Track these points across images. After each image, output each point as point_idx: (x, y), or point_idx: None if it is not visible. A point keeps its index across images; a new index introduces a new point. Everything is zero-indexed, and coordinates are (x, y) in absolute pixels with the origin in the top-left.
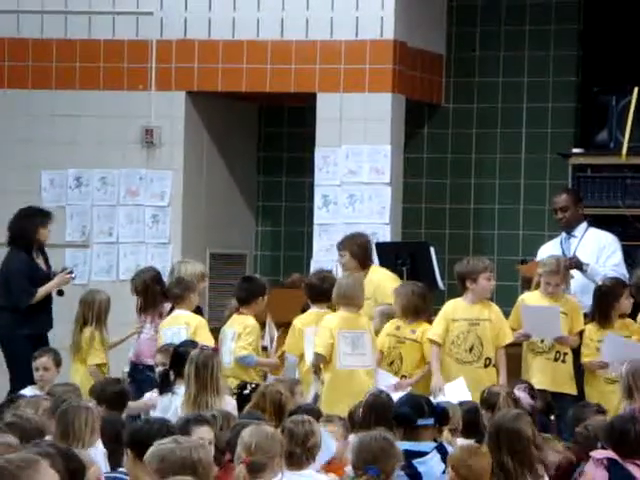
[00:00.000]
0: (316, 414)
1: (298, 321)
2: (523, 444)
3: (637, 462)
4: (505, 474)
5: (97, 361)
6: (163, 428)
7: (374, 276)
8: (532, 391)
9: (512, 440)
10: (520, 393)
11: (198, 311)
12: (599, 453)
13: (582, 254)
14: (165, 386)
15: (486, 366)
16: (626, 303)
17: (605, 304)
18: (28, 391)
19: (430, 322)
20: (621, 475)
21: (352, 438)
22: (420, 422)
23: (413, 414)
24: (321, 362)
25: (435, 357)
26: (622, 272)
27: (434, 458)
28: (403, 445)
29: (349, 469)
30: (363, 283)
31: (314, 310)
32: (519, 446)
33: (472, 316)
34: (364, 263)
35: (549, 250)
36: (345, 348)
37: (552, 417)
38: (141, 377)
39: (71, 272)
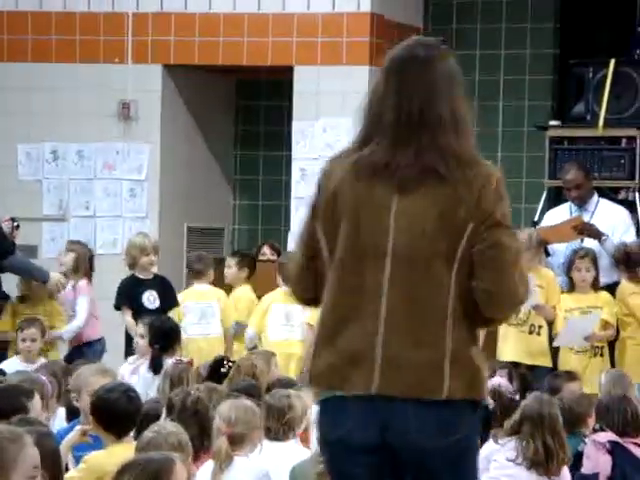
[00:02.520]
0: (294, 386)
1: (267, 298)
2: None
3: (636, 441)
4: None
5: None
6: (123, 397)
7: None
8: (510, 375)
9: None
10: (500, 380)
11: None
12: (600, 437)
13: None
14: (157, 363)
15: None
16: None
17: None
18: (14, 363)
19: None
20: (624, 457)
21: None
22: None
23: None
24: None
25: None
26: None
27: None
28: None
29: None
30: None
31: (284, 288)
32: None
33: None
34: None
35: (557, 218)
36: None
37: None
38: (92, 356)
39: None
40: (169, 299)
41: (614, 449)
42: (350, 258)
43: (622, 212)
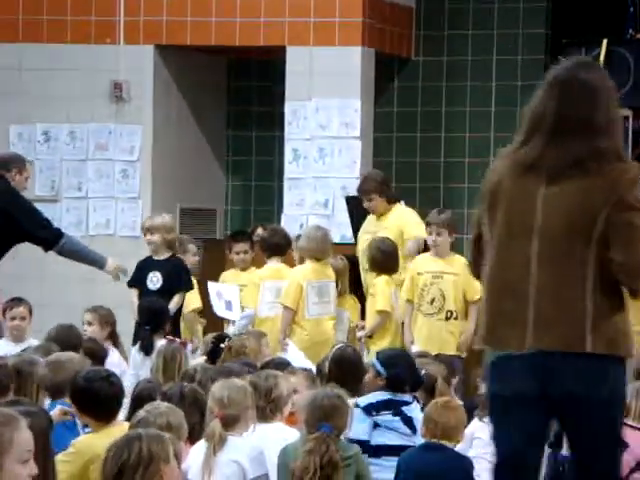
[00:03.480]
0: (286, 367)
1: (255, 276)
2: None
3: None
4: None
5: None
6: (105, 384)
7: (402, 215)
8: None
9: None
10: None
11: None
12: None
13: None
14: (148, 344)
15: (447, 319)
16: None
17: None
18: (2, 344)
19: None
20: None
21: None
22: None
23: (408, 379)
24: (291, 315)
25: (407, 313)
26: None
27: (417, 407)
28: (385, 395)
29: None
30: (330, 236)
31: (270, 265)
32: None
33: (436, 269)
34: (391, 198)
35: None
36: (313, 298)
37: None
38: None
39: None
40: (174, 281)
41: None
42: (504, 238)
43: None
